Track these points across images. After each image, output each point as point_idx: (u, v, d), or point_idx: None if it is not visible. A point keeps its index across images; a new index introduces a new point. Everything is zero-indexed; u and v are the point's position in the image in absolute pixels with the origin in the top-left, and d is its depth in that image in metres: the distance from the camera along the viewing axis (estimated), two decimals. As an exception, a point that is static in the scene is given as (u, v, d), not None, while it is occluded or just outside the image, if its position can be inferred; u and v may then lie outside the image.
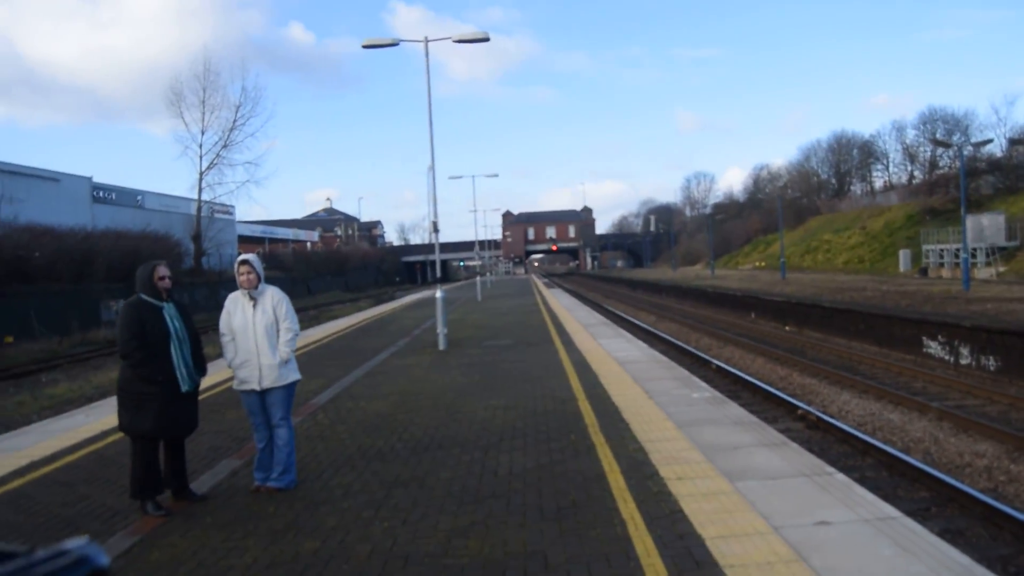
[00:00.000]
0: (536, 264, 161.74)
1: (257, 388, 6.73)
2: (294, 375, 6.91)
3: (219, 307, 7.01)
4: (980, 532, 8.09)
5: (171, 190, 63.21)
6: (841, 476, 6.40)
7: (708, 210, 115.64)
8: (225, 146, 54.57)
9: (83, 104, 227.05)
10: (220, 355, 7.07)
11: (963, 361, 17.92)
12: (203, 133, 53.75)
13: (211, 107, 53.79)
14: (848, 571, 4.53)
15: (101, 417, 10.63)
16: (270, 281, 7.06)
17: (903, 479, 9.83)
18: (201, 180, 54.27)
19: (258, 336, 6.68)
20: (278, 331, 6.76)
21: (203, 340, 6.83)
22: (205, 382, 6.68)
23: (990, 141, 49.50)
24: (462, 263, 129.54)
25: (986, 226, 40.08)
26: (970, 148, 47.16)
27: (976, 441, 11.63)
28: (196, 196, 54.99)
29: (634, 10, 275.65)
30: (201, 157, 53.97)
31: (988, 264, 39.71)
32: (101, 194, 51.47)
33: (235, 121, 54.66)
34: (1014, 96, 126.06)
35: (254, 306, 6.76)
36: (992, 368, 16.86)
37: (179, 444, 6.60)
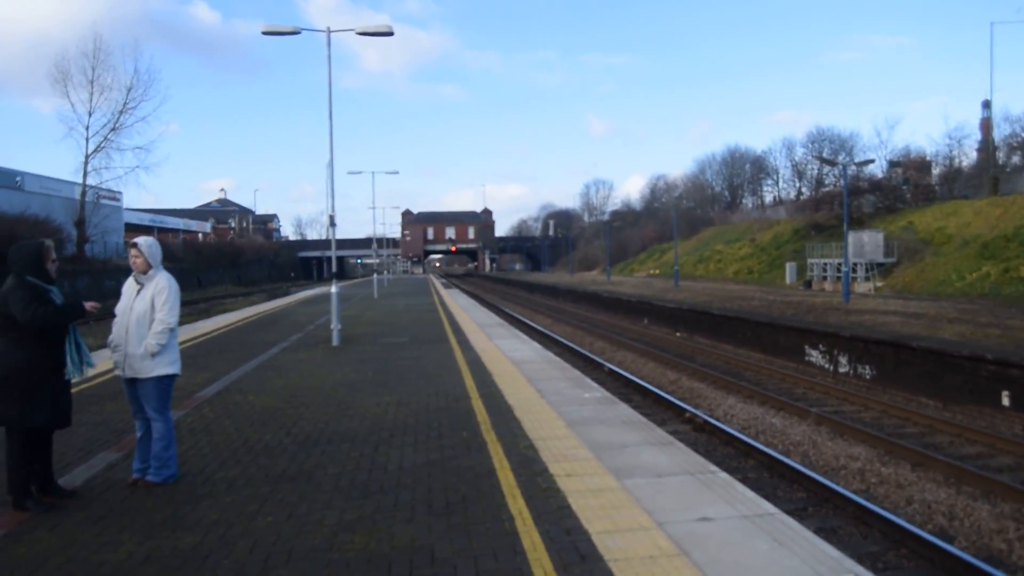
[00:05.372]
0: (435, 264, 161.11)
1: (122, 375, 6.49)
2: (164, 369, 6.48)
3: (102, 297, 6.71)
4: (852, 530, 8.47)
5: (54, 172, 60.26)
6: (724, 475, 6.57)
7: (606, 217, 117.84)
8: (114, 129, 52.03)
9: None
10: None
11: (841, 369, 18.73)
12: (90, 115, 51.17)
13: (100, 87, 51.30)
14: (727, 564, 4.65)
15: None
16: None
17: (783, 480, 10.21)
18: (87, 164, 51.62)
19: (130, 323, 6.40)
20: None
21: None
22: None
23: (872, 162, 52.33)
24: (359, 261, 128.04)
25: (866, 243, 42.03)
26: (853, 168, 49.43)
27: (851, 445, 12.17)
28: (81, 180, 52.47)
29: (548, 13, 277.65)
30: (88, 139, 51.39)
31: (867, 279, 41.66)
32: (-26, 173, 48.71)
33: (126, 103, 52.12)
34: (895, 120, 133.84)
35: (139, 291, 6.50)
36: (868, 376, 17.69)
37: (49, 436, 6.25)
